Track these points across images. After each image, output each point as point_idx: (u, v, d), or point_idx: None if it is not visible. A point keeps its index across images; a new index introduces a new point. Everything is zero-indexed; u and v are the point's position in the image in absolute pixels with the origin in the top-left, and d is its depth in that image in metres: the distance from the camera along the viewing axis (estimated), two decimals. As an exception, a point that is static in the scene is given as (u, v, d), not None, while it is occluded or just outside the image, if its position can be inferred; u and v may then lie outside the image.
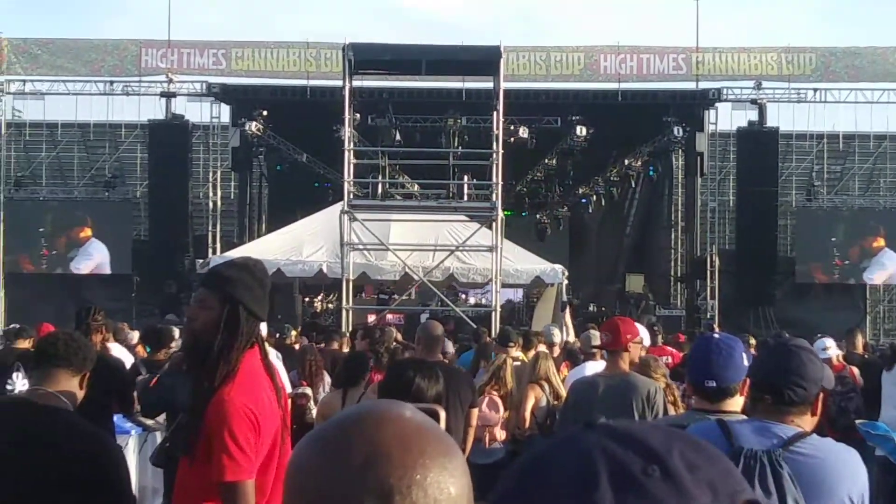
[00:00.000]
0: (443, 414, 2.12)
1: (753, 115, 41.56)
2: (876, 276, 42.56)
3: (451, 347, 17.60)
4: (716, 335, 5.62)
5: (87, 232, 42.05)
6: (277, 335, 21.67)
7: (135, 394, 10.91)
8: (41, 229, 42.14)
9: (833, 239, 42.28)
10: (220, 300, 5.24)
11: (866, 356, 17.24)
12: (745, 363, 5.31)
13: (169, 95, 42.05)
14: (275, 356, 15.13)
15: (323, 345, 18.17)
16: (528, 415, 12.25)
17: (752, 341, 17.32)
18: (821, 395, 4.54)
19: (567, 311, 28.15)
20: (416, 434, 1.64)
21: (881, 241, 42.03)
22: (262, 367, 5.28)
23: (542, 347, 14.98)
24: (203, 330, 5.25)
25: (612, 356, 9.05)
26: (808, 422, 4.49)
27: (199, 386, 5.23)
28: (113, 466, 4.81)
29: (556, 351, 15.57)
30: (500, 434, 12.23)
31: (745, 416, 4.95)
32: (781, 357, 4.56)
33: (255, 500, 4.98)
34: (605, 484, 1.32)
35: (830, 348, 14.63)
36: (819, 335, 16.53)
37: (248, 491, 4.95)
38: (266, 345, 5.81)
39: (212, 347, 5.18)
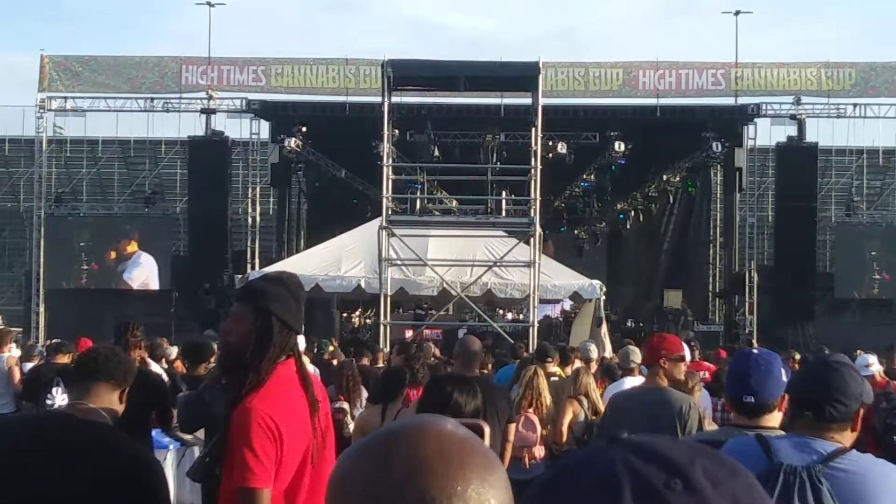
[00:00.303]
0: (487, 429, 2.14)
1: (792, 130, 41.41)
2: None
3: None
4: (754, 350, 5.61)
5: (134, 246, 42.31)
6: (315, 350, 21.71)
7: (173, 409, 10.96)
8: (81, 244, 42.38)
9: (873, 254, 42.07)
10: (253, 313, 5.25)
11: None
12: (784, 378, 5.29)
13: (209, 112, 42.19)
14: (312, 371, 15.18)
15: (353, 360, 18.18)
16: (565, 429, 12.25)
17: (797, 356, 17.26)
18: (861, 411, 4.53)
19: (603, 326, 28.09)
20: (458, 447, 1.65)
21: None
22: (298, 379, 5.27)
23: (579, 363, 14.98)
24: (238, 343, 5.27)
25: (649, 371, 9.06)
26: (848, 438, 4.48)
27: (230, 398, 5.25)
28: (152, 482, 4.84)
29: (594, 367, 15.54)
30: (539, 452, 12.21)
31: (783, 432, 4.94)
32: (822, 373, 4.55)
33: None
34: (629, 497, 1.34)
35: (873, 364, 14.58)
36: (859, 352, 16.45)
37: (261, 499, 4.93)
38: (304, 358, 5.82)
39: (246, 360, 5.20)
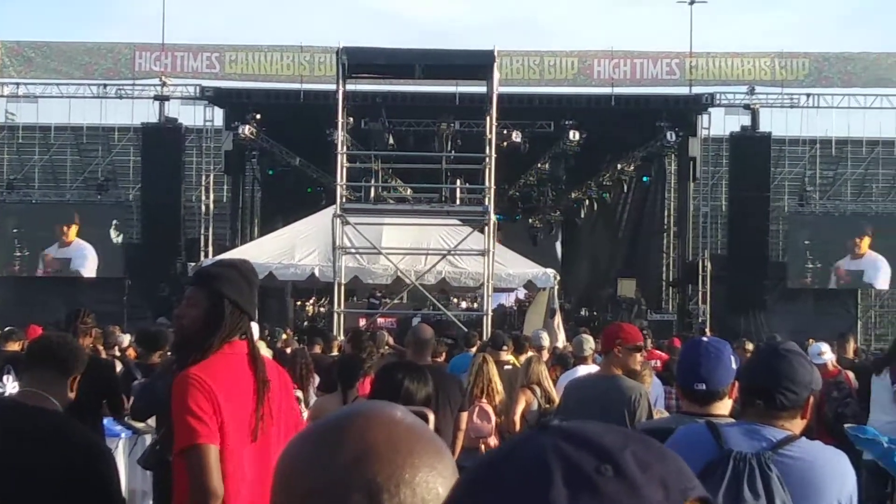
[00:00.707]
0: (431, 416, 2.13)
1: (746, 120, 41.57)
2: (879, 280, 42.47)
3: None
4: (704, 339, 5.64)
5: (73, 234, 41.95)
6: (269, 338, 21.66)
7: (125, 397, 10.89)
8: (29, 232, 42.01)
9: (825, 244, 42.27)
10: (206, 296, 5.34)
11: (857, 361, 17.24)
12: (734, 366, 5.33)
13: (162, 99, 41.98)
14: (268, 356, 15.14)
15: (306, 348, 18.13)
16: (517, 418, 12.24)
17: (749, 345, 17.30)
18: (811, 399, 4.53)
19: (557, 316, 28.12)
20: (406, 434, 1.66)
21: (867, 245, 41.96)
22: (248, 359, 5.33)
23: (532, 352, 15.00)
24: (191, 327, 5.35)
25: (604, 359, 9.10)
26: (798, 425, 4.49)
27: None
28: (102, 468, 4.81)
29: (545, 355, 15.57)
30: (494, 441, 12.22)
31: (732, 420, 4.96)
32: (772, 361, 4.56)
33: (218, 465, 4.98)
34: (559, 484, 1.32)
35: (826, 353, 14.65)
36: (811, 341, 16.54)
37: (206, 454, 4.96)
38: (260, 343, 5.88)
39: (200, 344, 5.28)
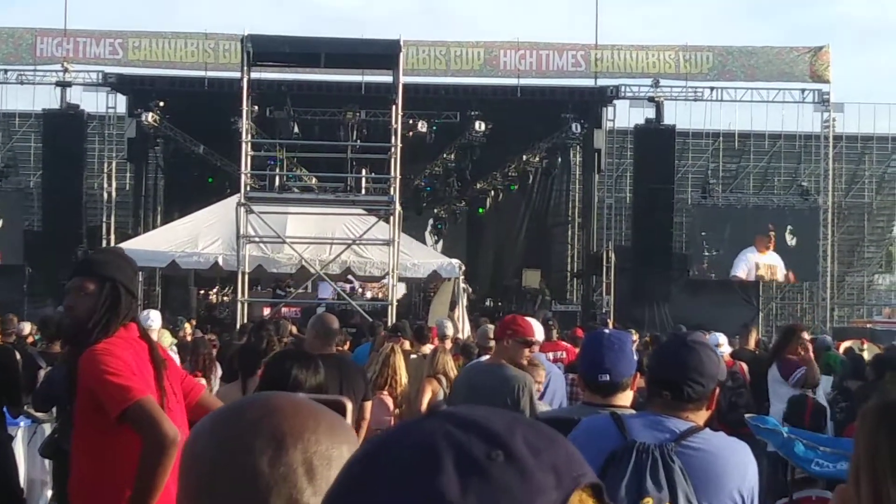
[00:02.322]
0: (350, 405, 2.11)
1: (651, 112, 41.84)
2: (740, 271, 42.93)
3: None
4: (606, 331, 5.66)
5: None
6: (171, 327, 21.47)
7: (20, 386, 10.73)
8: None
9: (726, 236, 42.70)
10: (98, 283, 5.41)
11: (757, 352, 17.45)
12: (635, 358, 5.35)
13: (64, 85, 41.49)
14: (170, 346, 15.02)
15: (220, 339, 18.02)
16: (424, 408, 12.23)
17: (635, 337, 17.42)
18: (716, 390, 4.55)
19: (456, 309, 28.14)
20: (307, 402, 1.70)
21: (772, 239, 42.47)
22: (141, 340, 5.46)
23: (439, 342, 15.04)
24: (85, 316, 5.39)
25: (495, 348, 9.13)
26: (702, 416, 4.50)
27: (73, 367, 5.38)
28: None
29: (448, 344, 15.62)
30: (393, 432, 12.18)
31: (634, 411, 4.97)
32: (680, 353, 4.56)
33: (162, 411, 5.07)
34: (449, 469, 1.29)
35: (723, 345, 14.85)
36: (709, 332, 16.68)
37: (148, 404, 5.03)
38: (163, 332, 5.97)
39: (98, 329, 5.35)
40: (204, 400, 5.66)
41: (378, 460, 1.35)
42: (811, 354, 13.01)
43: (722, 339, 15.11)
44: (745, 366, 14.52)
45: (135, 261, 5.81)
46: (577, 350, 16.06)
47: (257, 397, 1.71)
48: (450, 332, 16.80)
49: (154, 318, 15.12)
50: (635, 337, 17.74)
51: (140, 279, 5.57)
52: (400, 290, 31.87)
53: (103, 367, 5.08)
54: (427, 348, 14.55)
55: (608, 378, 5.24)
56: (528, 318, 9.46)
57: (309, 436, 1.59)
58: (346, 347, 15.81)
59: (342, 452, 1.61)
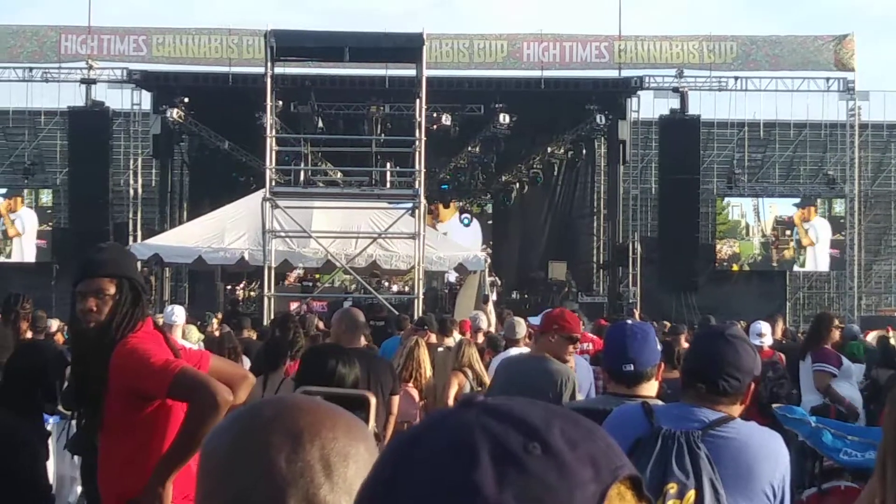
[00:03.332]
0: (373, 400, 2.13)
1: (675, 103, 41.76)
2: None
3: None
4: (629, 321, 5.68)
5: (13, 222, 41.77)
6: (199, 322, 21.52)
7: (56, 384, 10.75)
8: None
9: (754, 225, 42.68)
10: (116, 283, 5.39)
11: (784, 342, 17.35)
12: (659, 348, 5.36)
13: (89, 82, 41.63)
14: (197, 342, 15.06)
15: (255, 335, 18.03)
16: (451, 401, 12.23)
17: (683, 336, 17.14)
18: (752, 385, 4.54)
19: (490, 304, 28.14)
20: (323, 401, 1.71)
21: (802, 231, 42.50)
22: (154, 331, 5.51)
23: (457, 334, 15.04)
24: (109, 318, 5.37)
25: (539, 340, 9.02)
26: (736, 410, 4.49)
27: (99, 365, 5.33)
28: (22, 454, 4.76)
29: (481, 337, 15.66)
30: (419, 425, 12.20)
31: (660, 401, 4.96)
32: (718, 347, 4.55)
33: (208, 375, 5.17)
34: (486, 462, 1.27)
35: (766, 335, 14.44)
36: (739, 321, 16.56)
37: (192, 371, 5.13)
38: (177, 328, 6.02)
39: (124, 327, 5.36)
40: (213, 368, 5.61)
41: (413, 453, 1.33)
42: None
43: (765, 329, 14.58)
44: (783, 356, 14.25)
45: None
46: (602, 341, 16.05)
47: (274, 397, 1.73)
48: (484, 325, 16.85)
49: (178, 314, 15.16)
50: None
51: (167, 274, 5.63)
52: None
53: (138, 357, 5.13)
54: (450, 341, 14.54)
55: (632, 368, 5.25)
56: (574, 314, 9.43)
57: (326, 433, 1.60)
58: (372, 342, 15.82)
59: (359, 450, 1.62)
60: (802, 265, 43.70)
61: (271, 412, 1.63)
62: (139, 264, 5.75)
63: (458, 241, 36.62)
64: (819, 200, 43.27)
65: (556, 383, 8.38)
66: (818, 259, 43.43)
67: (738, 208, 43.65)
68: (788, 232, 43.03)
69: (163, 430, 5.20)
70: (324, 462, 1.59)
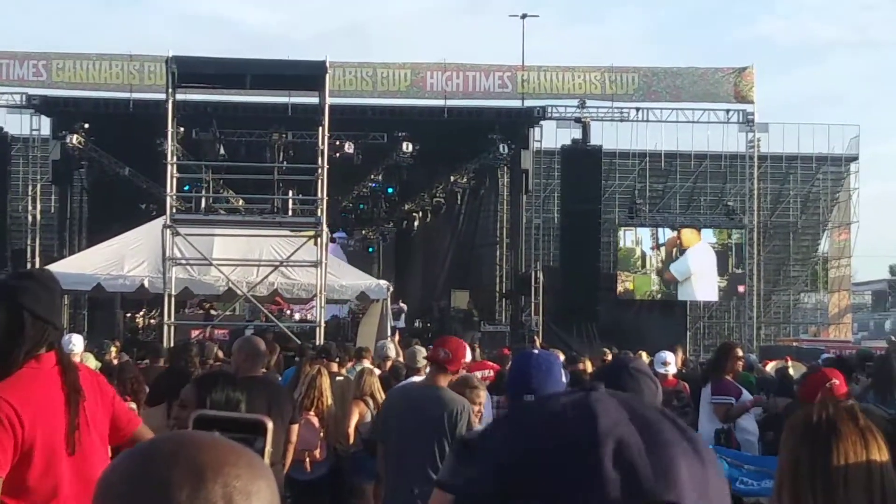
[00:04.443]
0: (270, 424, 2.07)
1: (577, 133, 42.10)
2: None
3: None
4: (535, 351, 5.64)
5: None
6: (97, 350, 21.25)
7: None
8: None
9: (651, 255, 43.06)
10: (4, 311, 5.14)
11: (685, 371, 17.47)
12: (564, 379, 5.33)
13: (-13, 107, 41.19)
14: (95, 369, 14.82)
15: (148, 362, 17.79)
16: (352, 430, 12.19)
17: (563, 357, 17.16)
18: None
19: (396, 334, 28.19)
20: (222, 437, 1.66)
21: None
22: (58, 370, 5.17)
23: (367, 363, 14.99)
24: None
25: (437, 371, 8.91)
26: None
27: None
28: None
29: (389, 365, 15.67)
30: (319, 454, 12.16)
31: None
32: (622, 380, 4.55)
33: None
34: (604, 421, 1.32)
35: (670, 364, 14.59)
36: (637, 350, 16.64)
37: None
38: (85, 355, 5.81)
39: (3, 361, 5.12)
40: (138, 435, 5.45)
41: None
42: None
43: (669, 357, 14.72)
44: (686, 385, 14.36)
45: (55, 281, 5.49)
46: (500, 369, 16.05)
47: (172, 432, 1.68)
48: (392, 353, 16.86)
49: (76, 343, 14.97)
50: (563, 357, 17.66)
51: (66, 302, 5.37)
52: (332, 310, 31.87)
53: None
54: (343, 370, 14.52)
55: (533, 398, 5.22)
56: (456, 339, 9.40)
57: (229, 469, 1.54)
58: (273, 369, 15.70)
59: (261, 487, 1.56)
60: (692, 294, 44.10)
61: (171, 447, 1.57)
62: (49, 295, 5.38)
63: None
64: (714, 231, 43.69)
65: (452, 413, 8.34)
66: (705, 289, 43.84)
67: (633, 237, 43.92)
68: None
69: (32, 465, 4.98)
70: (226, 499, 1.53)
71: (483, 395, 9.61)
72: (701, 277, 43.07)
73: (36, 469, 4.95)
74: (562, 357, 16.77)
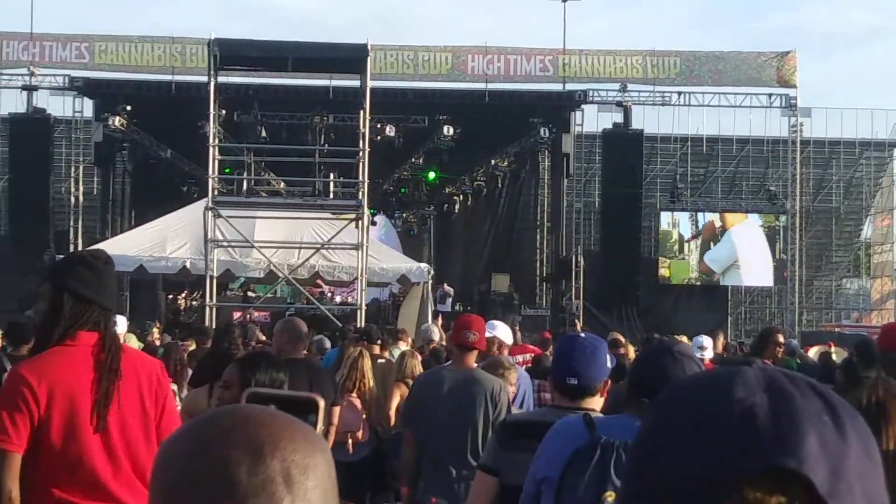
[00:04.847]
0: (322, 402, 2.09)
1: (619, 117, 41.95)
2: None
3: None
4: (581, 334, 5.63)
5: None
6: (138, 331, 21.38)
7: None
8: None
9: (695, 241, 42.93)
10: (50, 290, 5.30)
11: (725, 356, 17.40)
12: (608, 365, 5.33)
13: (30, 89, 41.35)
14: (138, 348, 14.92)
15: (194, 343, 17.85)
16: (392, 413, 12.20)
17: (622, 339, 17.12)
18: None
19: (440, 318, 28.19)
20: (279, 412, 1.66)
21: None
22: (93, 350, 5.22)
23: (404, 345, 15.01)
24: (40, 322, 5.40)
25: (466, 352, 8.88)
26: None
27: None
28: None
29: (431, 347, 15.72)
30: (362, 435, 12.18)
31: (601, 414, 4.96)
32: (665, 362, 4.53)
33: (14, 473, 4.99)
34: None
35: (707, 349, 14.55)
36: (681, 335, 16.56)
37: (2, 459, 4.98)
38: (127, 336, 5.83)
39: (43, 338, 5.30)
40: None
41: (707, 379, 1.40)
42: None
43: (706, 342, 14.73)
44: (722, 370, 14.27)
45: (107, 263, 5.52)
46: (540, 353, 16.04)
47: (228, 407, 1.68)
48: (436, 336, 16.89)
49: (119, 323, 15.03)
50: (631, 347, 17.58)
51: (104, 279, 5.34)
52: (372, 293, 31.92)
53: (3, 398, 5.09)
54: (386, 353, 14.54)
55: (576, 382, 5.22)
56: (495, 322, 9.38)
57: (286, 444, 1.54)
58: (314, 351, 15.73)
59: (318, 461, 1.57)
60: (738, 280, 43.96)
61: (229, 423, 1.57)
62: (96, 275, 5.43)
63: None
64: (759, 216, 43.52)
65: (490, 393, 8.33)
66: (755, 274, 43.68)
67: (672, 221, 43.77)
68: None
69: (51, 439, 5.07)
70: (285, 474, 1.54)
71: (514, 376, 9.63)
72: (749, 261, 42.89)
73: (54, 442, 5.02)
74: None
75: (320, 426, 1.95)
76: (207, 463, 1.54)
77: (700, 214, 43.38)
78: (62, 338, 5.19)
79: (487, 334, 9.78)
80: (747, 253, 42.78)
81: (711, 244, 42.93)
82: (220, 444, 1.54)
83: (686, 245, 43.37)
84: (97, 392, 5.11)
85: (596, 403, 5.28)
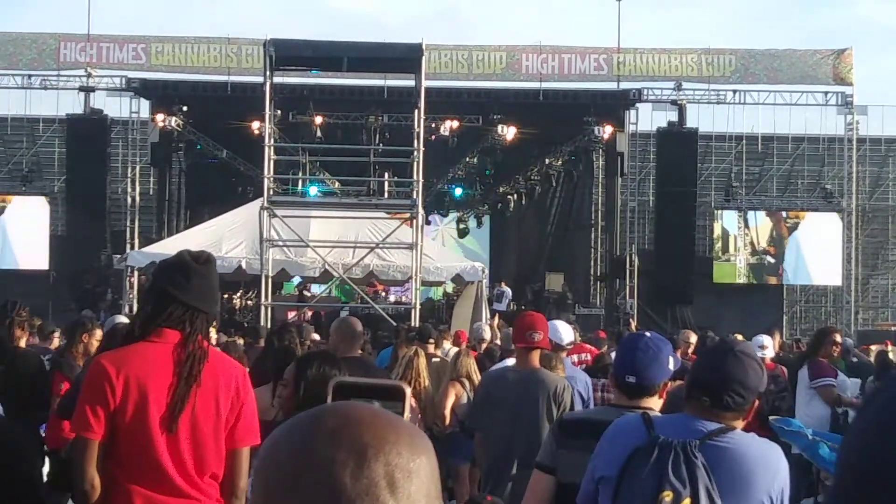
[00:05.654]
0: (408, 390, 2.11)
1: (673, 115, 41.83)
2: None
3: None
4: (647, 333, 5.62)
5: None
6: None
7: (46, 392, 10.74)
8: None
9: (752, 241, 42.73)
10: (147, 284, 5.68)
11: (781, 355, 17.32)
12: (671, 367, 5.31)
13: (88, 90, 41.68)
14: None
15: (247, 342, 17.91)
16: (447, 412, 12.21)
17: (693, 339, 16.87)
18: (756, 403, 4.53)
19: (495, 318, 28.23)
20: (383, 411, 1.68)
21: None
22: (174, 350, 5.26)
23: (447, 344, 15.03)
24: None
25: (526, 352, 8.88)
26: (738, 425, 4.46)
27: None
28: (18, 456, 4.76)
29: (484, 347, 15.71)
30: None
31: (659, 413, 4.96)
32: (726, 362, 4.50)
33: (93, 460, 5.11)
34: None
35: (768, 347, 14.43)
36: (736, 334, 16.48)
37: (85, 447, 5.12)
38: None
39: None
40: (236, 456, 5.33)
41: None
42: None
43: (767, 341, 14.56)
44: (785, 369, 14.21)
45: (204, 264, 5.50)
46: (598, 352, 16.02)
47: (333, 406, 1.68)
48: (487, 335, 16.89)
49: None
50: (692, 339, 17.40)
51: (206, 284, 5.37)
52: (427, 293, 31.93)
53: (85, 386, 5.25)
54: (439, 352, 14.56)
55: (634, 380, 5.23)
56: (556, 322, 9.38)
57: (390, 447, 1.57)
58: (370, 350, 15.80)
59: (421, 464, 1.59)
60: (795, 278, 43.76)
61: (333, 424, 1.59)
62: (185, 277, 5.44)
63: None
64: (815, 214, 43.27)
65: (554, 392, 8.35)
66: (822, 272, 43.45)
67: (724, 222, 43.61)
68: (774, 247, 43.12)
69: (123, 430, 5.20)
70: (388, 478, 1.56)
71: (562, 370, 9.62)
72: (815, 260, 42.71)
73: (126, 432, 5.13)
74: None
75: (406, 413, 1.98)
76: (312, 463, 1.56)
77: (751, 214, 43.20)
78: (145, 333, 5.29)
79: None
80: (813, 252, 42.59)
81: (773, 240, 42.78)
82: (326, 445, 1.56)
83: (738, 246, 43.18)
84: (173, 395, 5.17)
85: (654, 403, 5.27)
